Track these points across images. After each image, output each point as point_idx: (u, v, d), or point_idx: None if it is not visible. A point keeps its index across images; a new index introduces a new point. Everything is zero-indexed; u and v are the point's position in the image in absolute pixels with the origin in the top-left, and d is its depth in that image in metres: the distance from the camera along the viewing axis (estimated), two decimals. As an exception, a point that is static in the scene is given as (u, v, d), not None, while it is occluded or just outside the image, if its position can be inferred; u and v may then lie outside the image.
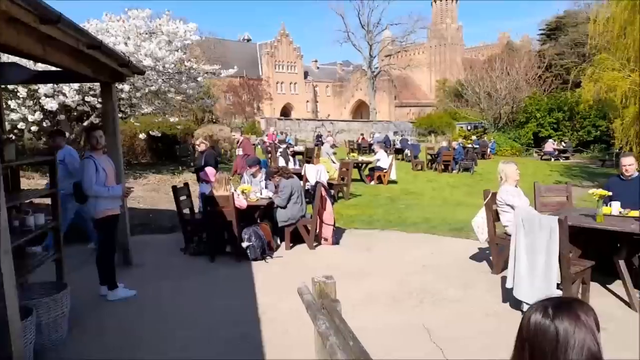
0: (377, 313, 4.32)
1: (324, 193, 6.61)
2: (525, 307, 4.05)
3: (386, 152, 15.42)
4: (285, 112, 63.83)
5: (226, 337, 3.85)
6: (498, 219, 5.28)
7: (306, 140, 31.18)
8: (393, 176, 13.49)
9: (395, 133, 32.50)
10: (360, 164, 13.98)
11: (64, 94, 10.69)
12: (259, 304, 4.57)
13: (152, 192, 11.41)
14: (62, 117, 11.62)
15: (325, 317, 1.80)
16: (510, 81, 31.25)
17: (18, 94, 10.32)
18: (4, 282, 2.77)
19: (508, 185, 5.16)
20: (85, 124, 12.25)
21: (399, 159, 20.56)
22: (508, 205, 5.05)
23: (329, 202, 6.71)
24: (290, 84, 67.81)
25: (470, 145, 21.52)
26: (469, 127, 35.12)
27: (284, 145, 16.23)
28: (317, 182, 7.19)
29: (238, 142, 9.24)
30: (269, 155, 17.38)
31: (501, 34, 68.36)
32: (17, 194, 4.24)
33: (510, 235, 4.55)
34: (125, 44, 10.29)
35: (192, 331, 4.00)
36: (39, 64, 6.95)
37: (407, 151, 20.66)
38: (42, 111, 11.03)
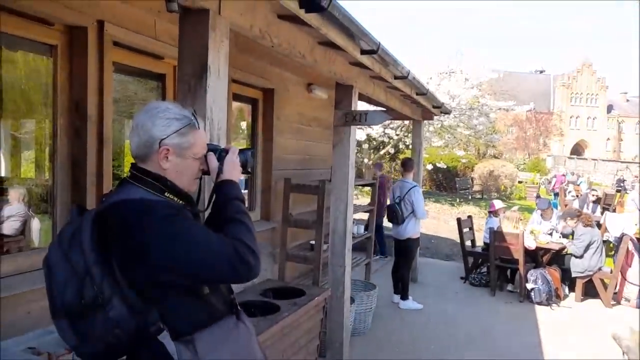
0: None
1: (631, 247, 5.83)
2: None
3: None
4: (577, 150, 56.63)
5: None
6: None
7: (602, 185, 26.96)
8: None
9: None
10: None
11: (371, 127, 12.64)
12: (544, 347, 4.47)
13: (432, 219, 12.16)
14: (365, 146, 13.74)
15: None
16: None
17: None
18: (345, 272, 3.68)
19: None
20: (381, 152, 14.13)
21: None
22: None
23: (636, 259, 5.86)
24: (588, 118, 59.85)
25: None
26: None
27: (578, 189, 14.61)
28: (623, 234, 6.37)
29: None
30: (557, 197, 15.97)
31: None
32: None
33: None
34: (427, 83, 11.45)
35: (475, 353, 4.26)
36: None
37: None
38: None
